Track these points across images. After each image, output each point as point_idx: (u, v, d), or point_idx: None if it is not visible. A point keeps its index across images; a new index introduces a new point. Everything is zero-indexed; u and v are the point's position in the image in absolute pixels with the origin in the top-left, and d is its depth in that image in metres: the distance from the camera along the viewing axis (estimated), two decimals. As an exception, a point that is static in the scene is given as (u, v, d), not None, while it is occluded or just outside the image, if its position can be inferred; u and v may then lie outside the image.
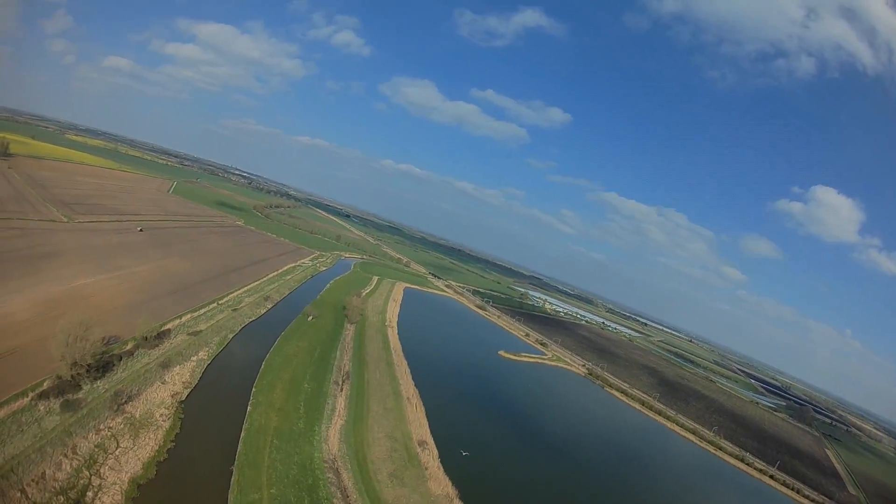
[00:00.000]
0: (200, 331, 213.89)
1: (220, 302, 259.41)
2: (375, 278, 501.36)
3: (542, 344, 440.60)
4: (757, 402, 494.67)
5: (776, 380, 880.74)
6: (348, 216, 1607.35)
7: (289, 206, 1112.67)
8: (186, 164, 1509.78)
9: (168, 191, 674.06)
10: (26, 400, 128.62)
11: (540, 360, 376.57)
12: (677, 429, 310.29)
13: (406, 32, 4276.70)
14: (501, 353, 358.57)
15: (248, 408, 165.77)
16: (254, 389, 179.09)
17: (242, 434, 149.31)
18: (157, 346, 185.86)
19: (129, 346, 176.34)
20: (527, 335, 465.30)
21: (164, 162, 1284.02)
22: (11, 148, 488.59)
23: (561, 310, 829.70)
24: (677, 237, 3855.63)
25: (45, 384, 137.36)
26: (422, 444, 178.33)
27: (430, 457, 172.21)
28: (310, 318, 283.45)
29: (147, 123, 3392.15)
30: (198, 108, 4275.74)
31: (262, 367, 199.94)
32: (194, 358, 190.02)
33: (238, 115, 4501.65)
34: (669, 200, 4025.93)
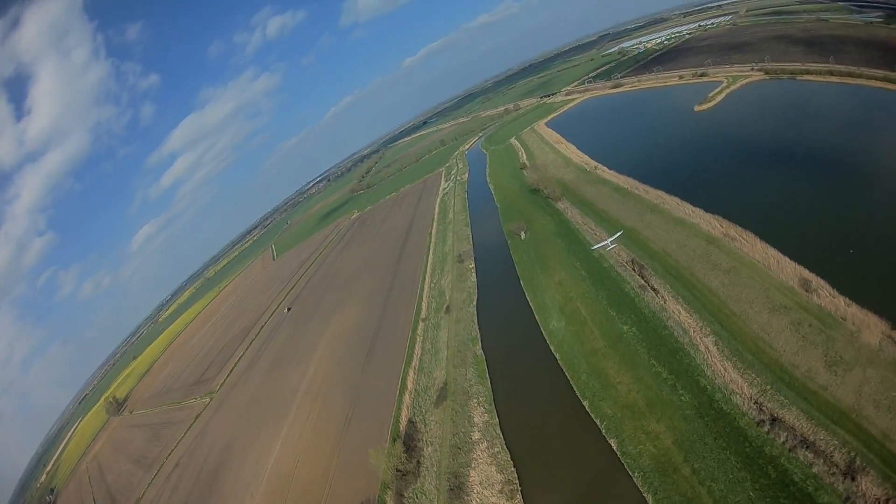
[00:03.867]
0: (438, 379, 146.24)
1: (422, 319, 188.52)
2: (513, 140, 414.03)
3: (700, 75, 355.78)
4: (871, 22, 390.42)
5: None
6: (425, 123, 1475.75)
7: (376, 163, 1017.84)
8: (268, 223, 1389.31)
9: (273, 258, 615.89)
10: None
11: (728, 91, 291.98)
12: (867, 82, 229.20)
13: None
14: (696, 108, 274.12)
15: (612, 443, 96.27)
16: (585, 403, 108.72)
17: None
18: (416, 461, 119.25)
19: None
20: (680, 77, 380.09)
21: (250, 241, 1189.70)
22: (119, 394, 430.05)
23: (659, 39, 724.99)
24: None
25: None
26: (804, 283, 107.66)
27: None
28: (521, 235, 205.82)
29: (210, 236, 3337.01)
30: (236, 181, 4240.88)
31: (558, 356, 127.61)
32: (475, 432, 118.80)
33: (268, 151, 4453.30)
34: None
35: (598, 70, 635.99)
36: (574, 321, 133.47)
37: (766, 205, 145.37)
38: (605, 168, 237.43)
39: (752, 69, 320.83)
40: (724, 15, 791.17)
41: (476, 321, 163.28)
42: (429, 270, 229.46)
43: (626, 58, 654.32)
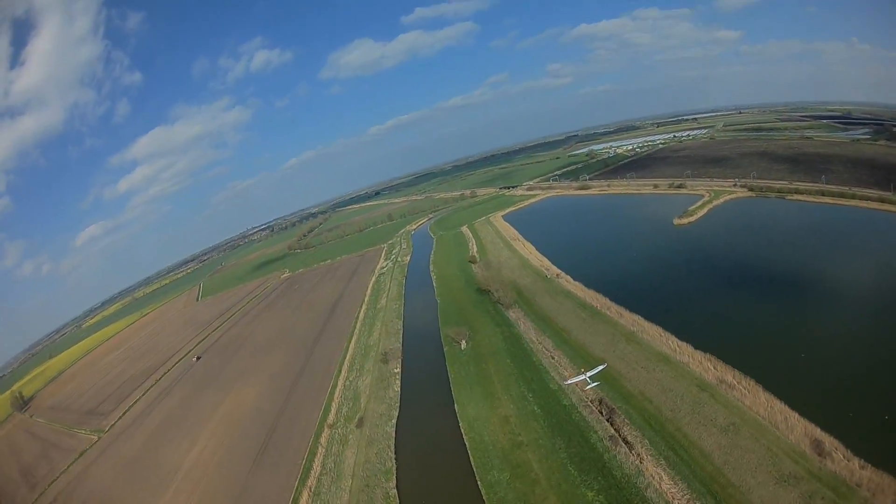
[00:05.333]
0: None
1: (329, 424, 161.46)
2: (465, 229, 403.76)
3: (678, 187, 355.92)
4: (857, 140, 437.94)
5: (831, 111, 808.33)
6: (377, 193, 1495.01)
7: (320, 224, 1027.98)
8: (205, 258, 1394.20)
9: (198, 298, 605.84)
10: None
11: (710, 206, 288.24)
12: (862, 203, 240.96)
13: (307, 17, 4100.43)
14: (675, 221, 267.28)
15: None
16: None
17: None
18: None
19: None
20: (655, 186, 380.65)
21: (185, 272, 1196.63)
22: (26, 391, 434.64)
23: (630, 146, 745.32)
24: (660, 31, 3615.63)
25: None
26: (817, 445, 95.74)
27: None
28: (462, 344, 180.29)
29: (152, 254, 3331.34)
30: (186, 207, 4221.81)
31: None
32: None
33: (221, 185, 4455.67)
34: (634, 1, 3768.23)
35: (564, 169, 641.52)
36: (522, 476, 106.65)
37: (769, 345, 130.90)
38: (568, 278, 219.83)
39: (735, 185, 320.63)
40: (701, 128, 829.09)
41: (393, 447, 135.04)
42: (346, 363, 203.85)
43: (595, 160, 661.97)
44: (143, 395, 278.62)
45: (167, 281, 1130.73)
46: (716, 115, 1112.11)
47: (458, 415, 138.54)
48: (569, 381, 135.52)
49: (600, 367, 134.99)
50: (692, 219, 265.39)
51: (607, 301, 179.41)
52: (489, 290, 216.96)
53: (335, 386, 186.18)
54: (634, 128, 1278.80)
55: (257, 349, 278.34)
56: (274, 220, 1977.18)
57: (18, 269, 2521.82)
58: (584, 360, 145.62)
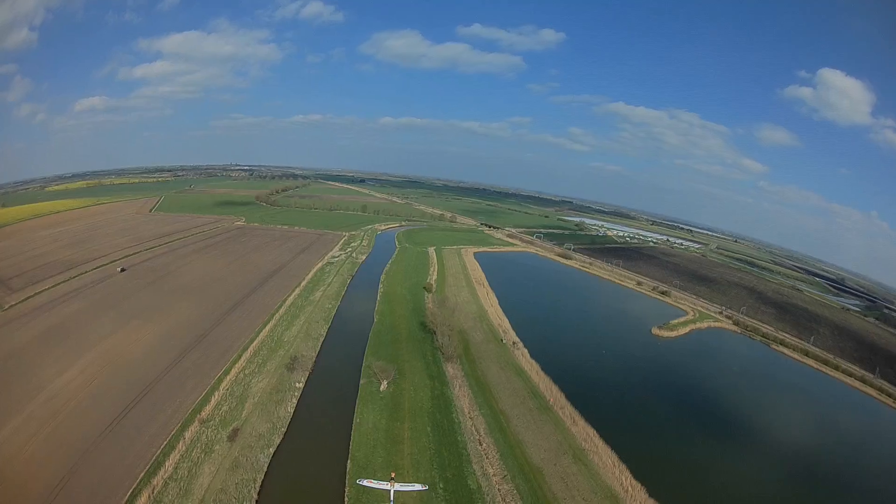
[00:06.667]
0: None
1: (201, 419, 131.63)
2: (432, 251, 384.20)
3: (662, 293, 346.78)
4: (847, 309, 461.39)
5: (825, 271, 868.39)
6: (363, 181, 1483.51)
7: (297, 187, 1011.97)
8: (181, 174, 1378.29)
9: (152, 209, 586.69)
10: None
11: (693, 326, 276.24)
12: (844, 377, 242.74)
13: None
14: (654, 330, 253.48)
15: None
16: None
17: None
18: None
19: None
20: (639, 284, 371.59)
21: (155, 179, 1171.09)
22: None
23: (621, 232, 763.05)
24: (692, 136, 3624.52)
25: None
26: None
27: None
28: (382, 385, 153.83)
29: (137, 150, 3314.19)
30: (184, 119, 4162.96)
31: None
32: None
33: (226, 112, 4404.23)
34: (679, 101, 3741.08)
35: (550, 230, 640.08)
36: None
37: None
38: (525, 352, 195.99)
39: (721, 313, 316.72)
40: (694, 241, 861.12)
41: (258, 485, 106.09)
42: (250, 351, 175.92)
43: (583, 233, 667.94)
44: (53, 286, 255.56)
45: (136, 180, 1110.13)
46: (711, 235, 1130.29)
47: (347, 476, 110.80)
48: (365, 482, 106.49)
49: (417, 487, 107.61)
50: (672, 334, 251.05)
51: (562, 398, 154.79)
52: (434, 331, 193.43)
53: (227, 372, 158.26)
54: (629, 216, 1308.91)
55: (175, 289, 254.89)
56: (258, 165, 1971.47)
57: (16, 107, 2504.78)
58: (516, 462, 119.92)
